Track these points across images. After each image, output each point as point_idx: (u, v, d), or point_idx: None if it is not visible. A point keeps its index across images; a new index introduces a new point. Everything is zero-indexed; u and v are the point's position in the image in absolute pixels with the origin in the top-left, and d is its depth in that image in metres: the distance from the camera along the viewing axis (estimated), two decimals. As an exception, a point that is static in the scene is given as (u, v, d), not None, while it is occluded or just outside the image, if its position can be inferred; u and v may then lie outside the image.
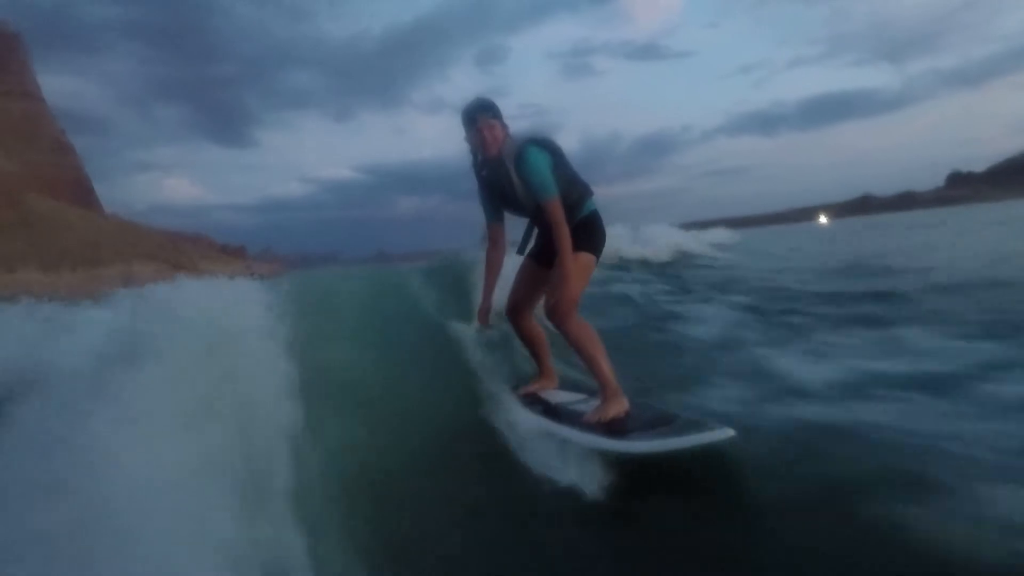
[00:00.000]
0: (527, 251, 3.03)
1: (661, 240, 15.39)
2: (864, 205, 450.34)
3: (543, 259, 2.82)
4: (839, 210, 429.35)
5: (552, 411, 2.65)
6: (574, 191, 2.65)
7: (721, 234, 22.79)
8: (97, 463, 1.44)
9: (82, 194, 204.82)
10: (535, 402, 2.79)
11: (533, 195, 2.55)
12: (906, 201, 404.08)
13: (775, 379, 3.61)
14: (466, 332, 3.42)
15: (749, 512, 2.05)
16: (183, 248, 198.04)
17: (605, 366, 2.53)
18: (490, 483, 2.42)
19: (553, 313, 2.58)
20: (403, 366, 3.26)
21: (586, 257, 2.60)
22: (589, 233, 2.64)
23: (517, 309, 3.00)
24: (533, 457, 2.46)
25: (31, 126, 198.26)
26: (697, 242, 17.96)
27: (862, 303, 6.46)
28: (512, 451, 2.58)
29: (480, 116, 2.64)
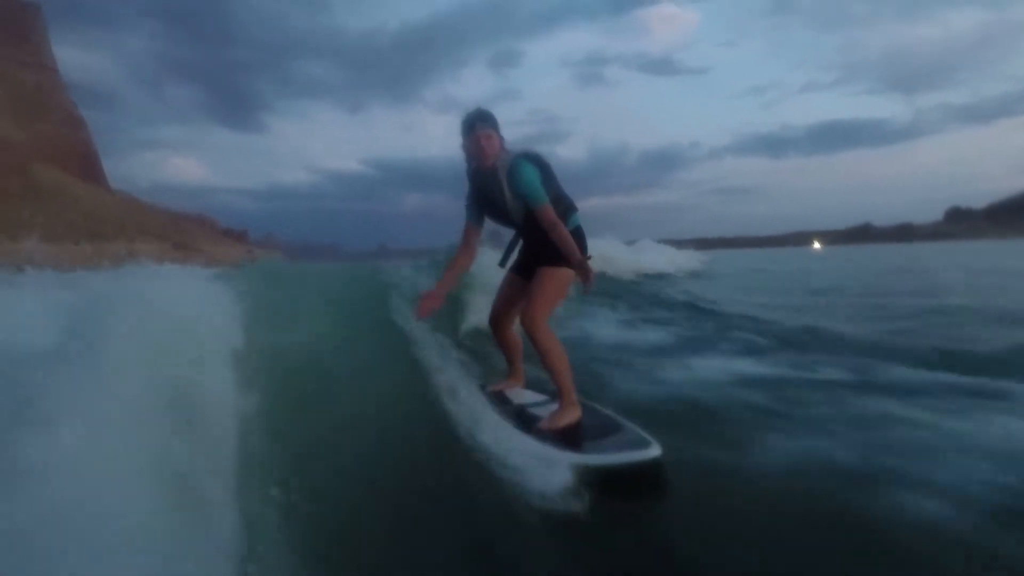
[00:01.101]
0: (510, 265, 3.10)
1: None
2: (864, 234, 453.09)
3: (526, 272, 2.90)
4: (839, 237, 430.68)
5: (513, 412, 2.77)
6: (559, 206, 2.72)
7: (691, 256, 21.53)
8: (36, 453, 1.39)
9: (89, 168, 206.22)
10: (502, 400, 2.94)
11: (526, 203, 2.63)
12: (904, 233, 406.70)
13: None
14: (423, 327, 3.54)
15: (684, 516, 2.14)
16: (186, 228, 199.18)
17: (566, 377, 2.63)
18: (444, 481, 2.37)
19: (527, 322, 2.66)
20: (361, 361, 3.19)
21: (566, 272, 2.67)
22: None
23: (499, 318, 3.09)
24: (491, 458, 2.50)
25: (44, 98, 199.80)
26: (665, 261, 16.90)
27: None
28: (466, 449, 2.59)
29: (479, 125, 2.70)
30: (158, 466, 1.55)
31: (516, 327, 3.03)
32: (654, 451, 2.23)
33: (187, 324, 2.15)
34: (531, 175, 2.59)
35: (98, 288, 2.35)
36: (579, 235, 2.73)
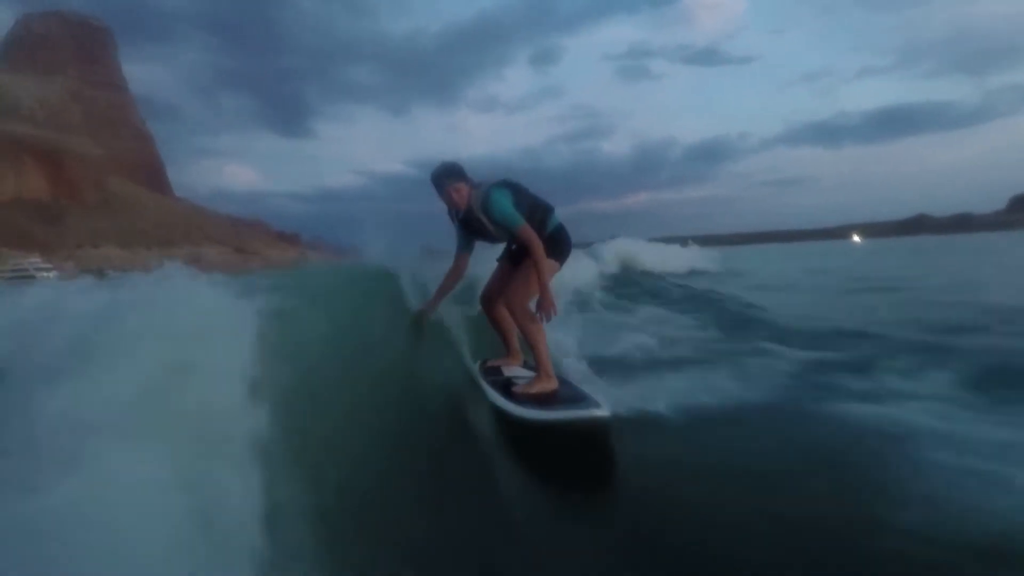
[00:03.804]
0: (503, 255, 3.44)
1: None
2: (918, 225, 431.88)
3: (515, 262, 3.23)
4: (890, 229, 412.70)
5: (501, 382, 3.02)
6: (537, 213, 3.03)
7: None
8: (54, 462, 1.40)
9: (157, 178, 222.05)
10: (494, 372, 3.21)
11: (505, 228, 2.95)
12: (962, 223, 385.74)
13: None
14: (450, 322, 3.67)
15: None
16: (244, 233, 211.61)
17: (543, 351, 2.90)
18: (461, 473, 2.34)
19: (511, 304, 3.02)
20: (376, 354, 3.09)
21: (550, 263, 2.97)
22: (555, 244, 3.05)
23: (490, 299, 3.39)
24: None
25: (116, 115, 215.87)
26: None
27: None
28: (478, 437, 2.67)
29: (446, 182, 3.00)
30: (177, 473, 1.54)
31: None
32: (601, 412, 2.40)
33: (204, 328, 2.07)
34: (503, 204, 2.91)
35: (122, 294, 2.32)
36: (560, 233, 3.09)
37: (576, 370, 3.27)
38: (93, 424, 1.52)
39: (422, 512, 2.00)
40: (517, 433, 2.50)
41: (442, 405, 2.92)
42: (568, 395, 2.71)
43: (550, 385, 2.82)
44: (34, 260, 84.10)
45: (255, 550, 1.51)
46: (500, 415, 2.61)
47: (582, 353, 3.64)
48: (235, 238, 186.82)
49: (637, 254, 15.59)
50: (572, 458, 2.39)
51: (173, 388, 1.73)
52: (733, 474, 2.30)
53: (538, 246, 2.83)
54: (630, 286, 10.56)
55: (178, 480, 1.51)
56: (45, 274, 71.10)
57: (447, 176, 2.99)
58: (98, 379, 1.69)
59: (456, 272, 3.27)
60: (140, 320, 1.95)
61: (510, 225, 2.89)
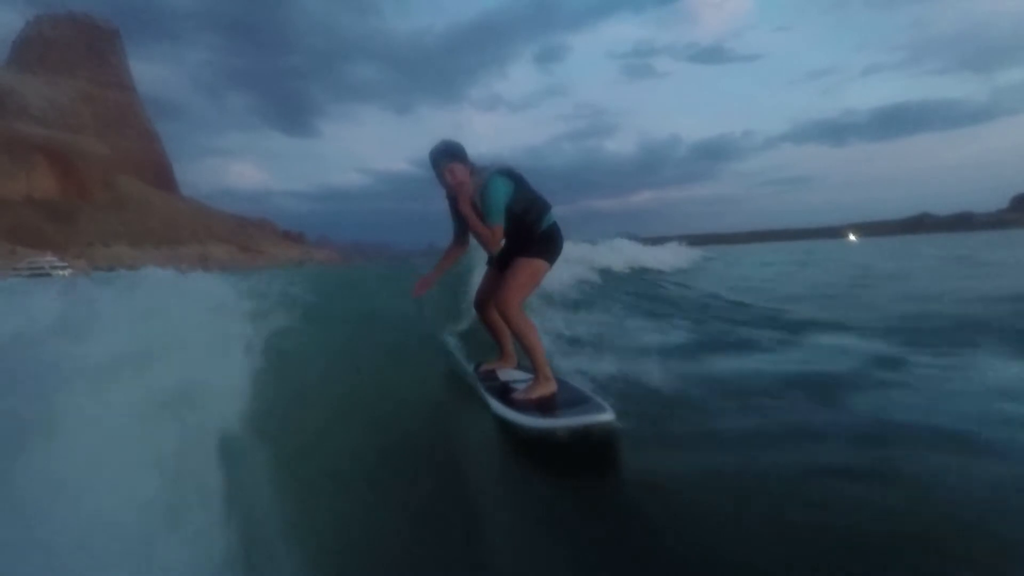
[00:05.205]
0: (489, 259, 3.25)
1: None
2: (918, 224, 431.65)
3: (501, 265, 3.04)
4: (892, 228, 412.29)
5: (498, 387, 2.91)
6: (534, 209, 2.92)
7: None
8: (38, 452, 1.38)
9: (163, 177, 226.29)
10: (490, 377, 3.10)
11: (484, 214, 2.82)
12: (963, 222, 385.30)
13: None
14: (445, 330, 3.66)
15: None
16: (250, 232, 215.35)
17: (539, 353, 2.77)
18: (448, 475, 2.20)
19: (501, 306, 2.90)
20: (371, 356, 3.12)
21: (539, 263, 2.87)
22: (547, 243, 2.93)
23: (482, 304, 3.29)
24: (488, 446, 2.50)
25: (124, 115, 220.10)
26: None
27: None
28: (468, 440, 2.57)
29: (442, 161, 2.83)
30: (162, 465, 1.50)
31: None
32: (606, 415, 2.28)
33: (195, 324, 2.10)
34: (496, 193, 2.81)
35: (118, 291, 2.22)
36: (553, 232, 3.05)
37: (569, 369, 3.21)
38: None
39: (416, 518, 1.88)
40: (520, 439, 2.42)
41: (435, 409, 2.87)
42: (570, 398, 2.69)
43: (549, 388, 2.77)
44: (50, 258, 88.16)
45: (246, 552, 1.48)
46: (502, 422, 2.54)
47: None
48: (241, 236, 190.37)
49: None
50: (576, 462, 2.28)
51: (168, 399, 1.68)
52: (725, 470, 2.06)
53: (487, 239, 2.87)
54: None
55: (166, 486, 1.45)
56: (60, 272, 74.73)
57: (444, 155, 2.91)
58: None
59: (457, 243, 3.20)
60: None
61: (488, 218, 2.86)
